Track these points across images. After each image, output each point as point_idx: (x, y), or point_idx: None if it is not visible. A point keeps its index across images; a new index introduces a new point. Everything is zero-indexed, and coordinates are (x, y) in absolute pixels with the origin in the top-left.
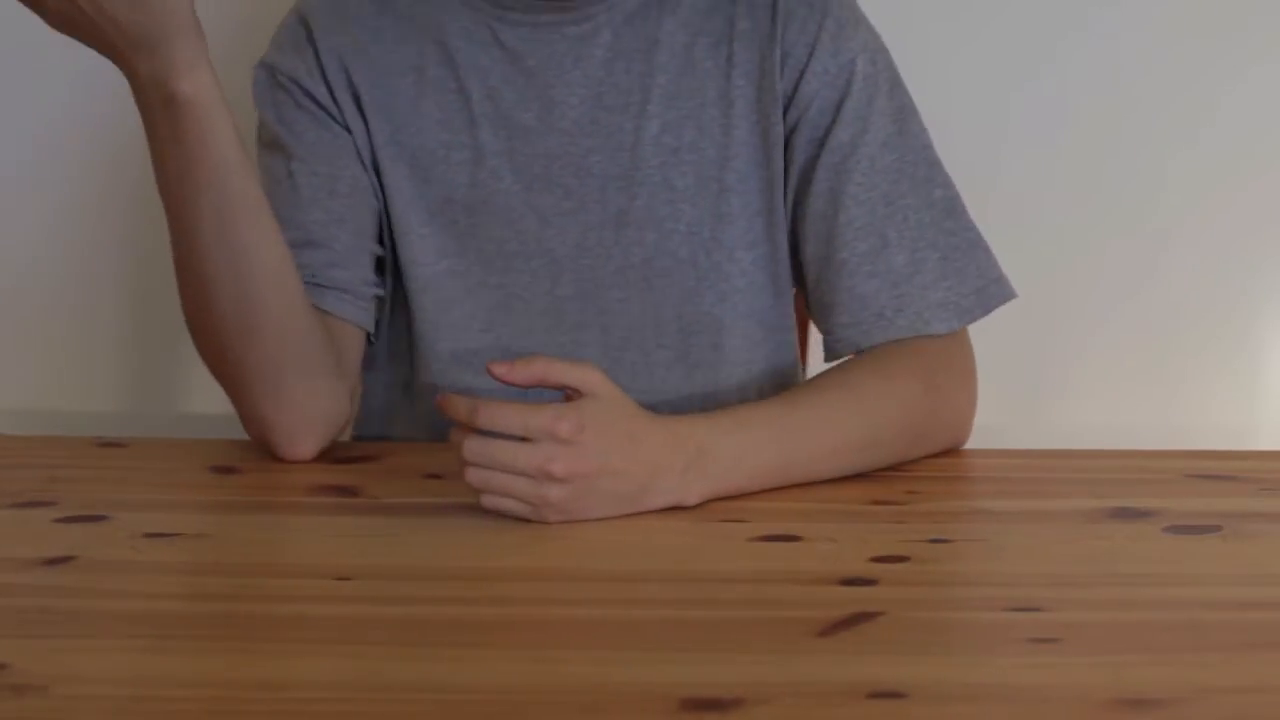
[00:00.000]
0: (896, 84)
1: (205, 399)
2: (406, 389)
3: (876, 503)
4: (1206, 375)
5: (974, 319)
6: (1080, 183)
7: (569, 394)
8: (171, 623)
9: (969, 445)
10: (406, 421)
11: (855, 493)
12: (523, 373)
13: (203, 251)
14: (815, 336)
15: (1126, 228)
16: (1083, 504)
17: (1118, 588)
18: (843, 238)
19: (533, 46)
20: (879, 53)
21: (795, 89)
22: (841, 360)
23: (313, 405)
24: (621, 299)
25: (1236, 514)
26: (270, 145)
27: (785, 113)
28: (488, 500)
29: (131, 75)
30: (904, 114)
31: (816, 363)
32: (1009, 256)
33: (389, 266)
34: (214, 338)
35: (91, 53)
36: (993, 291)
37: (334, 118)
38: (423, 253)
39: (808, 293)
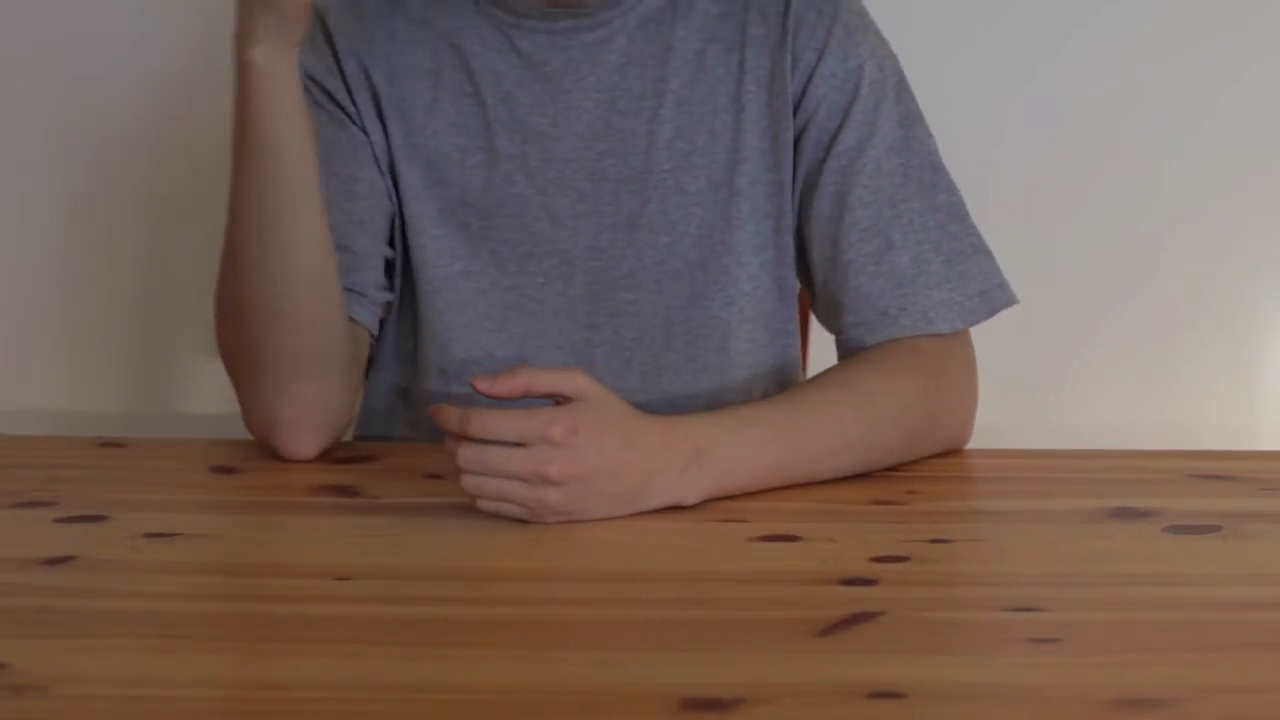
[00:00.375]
0: (904, 90)
1: (205, 399)
2: (408, 392)
3: (876, 503)
4: (1206, 375)
5: (977, 321)
6: (1080, 183)
7: (558, 401)
8: (171, 623)
9: (969, 445)
10: (409, 423)
11: (855, 493)
12: (507, 385)
13: (246, 233)
14: (815, 337)
15: (1126, 228)
16: (1083, 504)
17: (1118, 588)
18: (848, 239)
19: (549, 53)
20: (887, 58)
21: (804, 92)
22: (843, 360)
23: (321, 404)
24: (633, 300)
25: (1236, 514)
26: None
27: (794, 115)
28: (485, 505)
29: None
30: (910, 119)
31: (817, 363)
32: (1009, 257)
33: (398, 268)
34: (241, 322)
35: (91, 53)
36: (995, 296)
37: (352, 119)
38: (437, 255)
39: (815, 294)
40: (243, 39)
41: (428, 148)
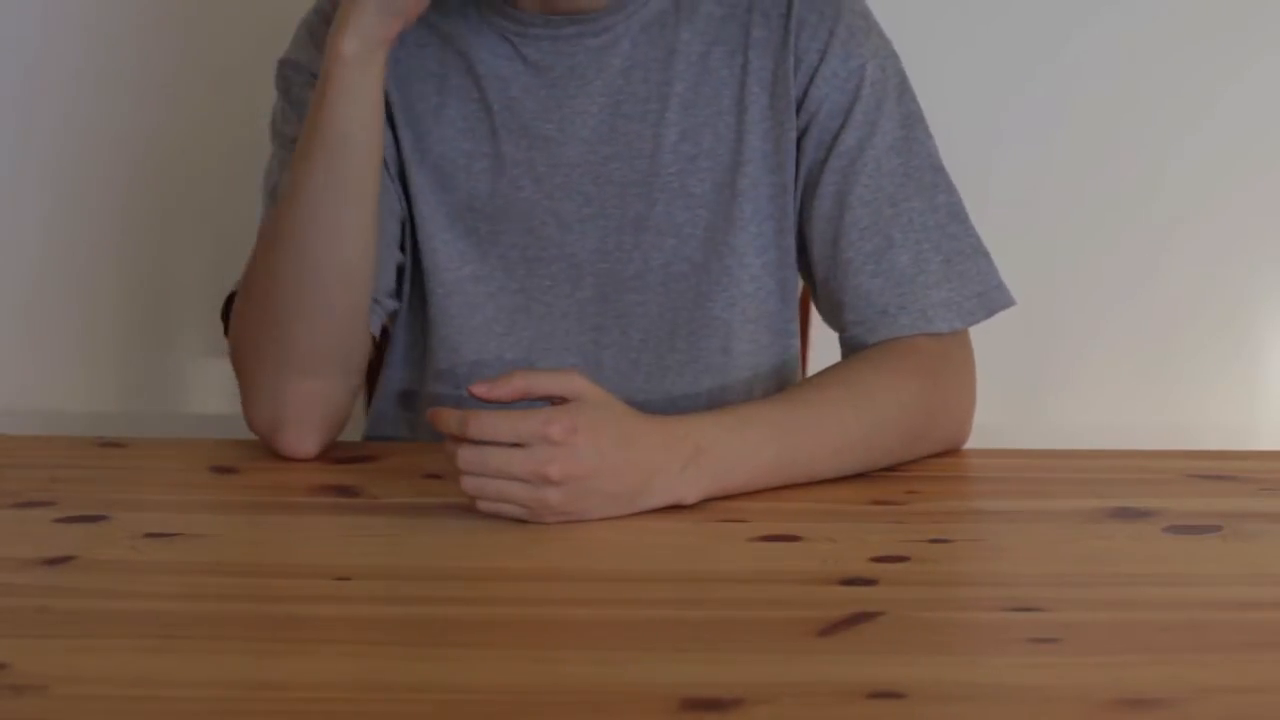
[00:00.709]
0: (905, 91)
1: (205, 399)
2: (409, 396)
3: (876, 503)
4: (1206, 375)
5: (975, 321)
6: (1080, 183)
7: (555, 403)
8: (171, 623)
9: (969, 445)
10: (409, 424)
11: (855, 493)
12: (504, 389)
13: (299, 218)
14: (816, 337)
15: (1126, 228)
16: (1083, 504)
17: (1118, 588)
18: (848, 238)
19: (554, 59)
20: (889, 59)
21: (805, 92)
22: (843, 358)
23: (326, 403)
24: (640, 302)
25: (1236, 514)
26: (294, 145)
27: (796, 116)
28: (485, 506)
29: None
30: (911, 120)
31: (817, 363)
32: (1009, 257)
33: (408, 272)
34: (267, 309)
35: (91, 53)
36: (994, 297)
37: None
38: (447, 258)
39: (817, 293)
40: (338, 28)
41: (435, 152)
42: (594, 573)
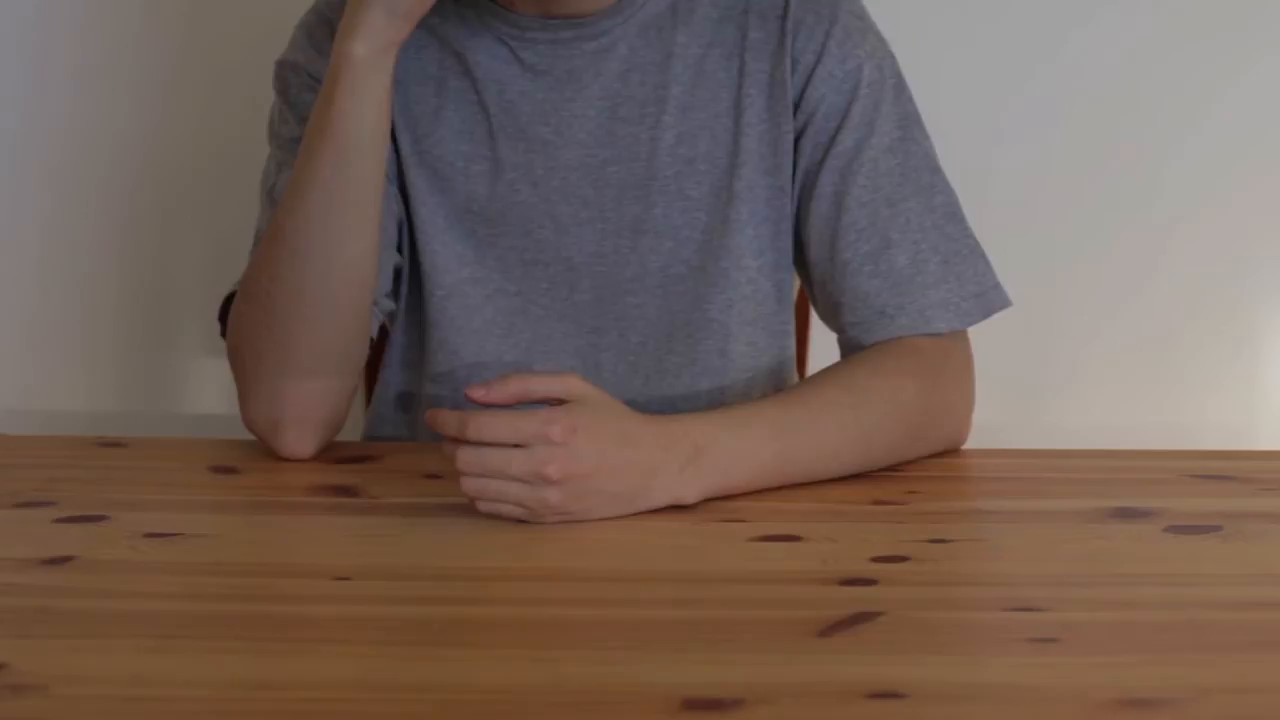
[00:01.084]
0: (902, 91)
1: (205, 399)
2: (407, 398)
3: (876, 503)
4: (1206, 375)
5: (973, 321)
6: (1080, 183)
7: (553, 404)
8: (171, 623)
9: (969, 445)
10: (408, 425)
11: (855, 493)
12: (501, 391)
13: (304, 219)
14: (815, 337)
15: (1126, 228)
16: (1083, 504)
17: (1118, 588)
18: (846, 239)
19: (551, 62)
20: (886, 59)
21: (802, 94)
22: (842, 359)
23: (324, 404)
24: (638, 305)
25: (1236, 514)
26: (293, 146)
27: (794, 116)
28: (485, 507)
29: None
30: (908, 120)
31: (817, 363)
32: (1008, 257)
33: (406, 275)
34: (269, 311)
35: (91, 52)
36: (991, 297)
37: None
38: (446, 261)
39: (815, 294)
40: (347, 30)
41: (433, 155)
42: (594, 573)
